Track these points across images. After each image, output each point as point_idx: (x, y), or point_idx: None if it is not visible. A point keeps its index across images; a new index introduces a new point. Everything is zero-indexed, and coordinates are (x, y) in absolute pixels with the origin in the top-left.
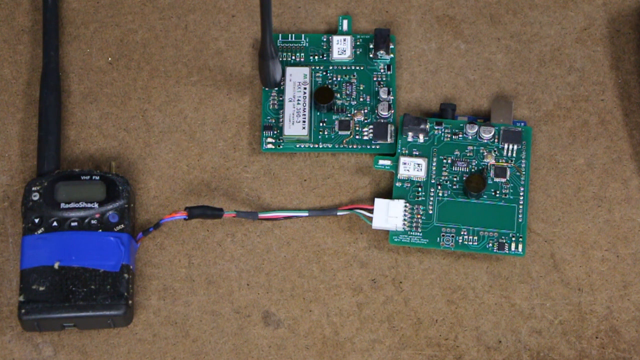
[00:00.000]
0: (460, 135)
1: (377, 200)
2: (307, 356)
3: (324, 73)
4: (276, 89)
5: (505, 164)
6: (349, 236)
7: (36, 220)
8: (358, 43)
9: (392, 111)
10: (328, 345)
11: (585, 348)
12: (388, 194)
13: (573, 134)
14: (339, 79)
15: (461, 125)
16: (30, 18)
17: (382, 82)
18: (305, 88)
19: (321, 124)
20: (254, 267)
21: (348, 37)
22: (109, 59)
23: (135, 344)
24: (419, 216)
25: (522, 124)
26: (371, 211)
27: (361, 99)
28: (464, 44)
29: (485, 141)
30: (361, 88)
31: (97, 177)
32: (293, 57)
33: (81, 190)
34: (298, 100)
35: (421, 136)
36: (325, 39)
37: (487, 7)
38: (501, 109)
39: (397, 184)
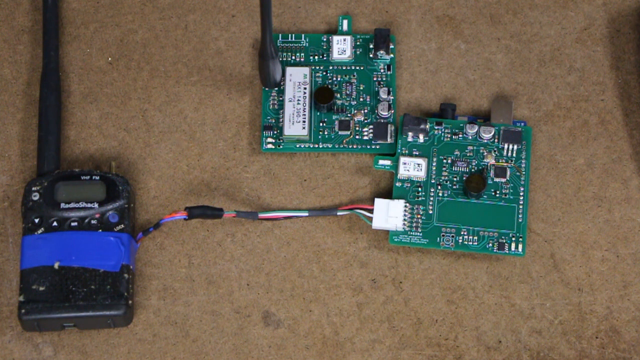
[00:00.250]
0: (460, 135)
1: (377, 200)
2: (307, 356)
3: (324, 73)
4: (276, 89)
5: (505, 164)
6: (349, 236)
7: (36, 220)
8: (358, 43)
9: (392, 111)
10: (328, 345)
11: (585, 348)
12: (388, 194)
13: (573, 134)
14: (339, 79)
15: (461, 125)
16: (30, 18)
17: (382, 82)
18: (305, 88)
19: (321, 124)
20: (254, 267)
21: (348, 37)
22: (109, 59)
23: (135, 344)
24: (419, 216)
25: (522, 124)
26: (371, 211)
27: (361, 99)
28: (464, 44)
29: (485, 141)
30: (361, 88)
31: (97, 177)
32: (293, 57)
33: (81, 190)
34: (298, 100)
35: (421, 136)
36: (325, 39)
37: (487, 7)
38: (501, 109)
39: (397, 184)
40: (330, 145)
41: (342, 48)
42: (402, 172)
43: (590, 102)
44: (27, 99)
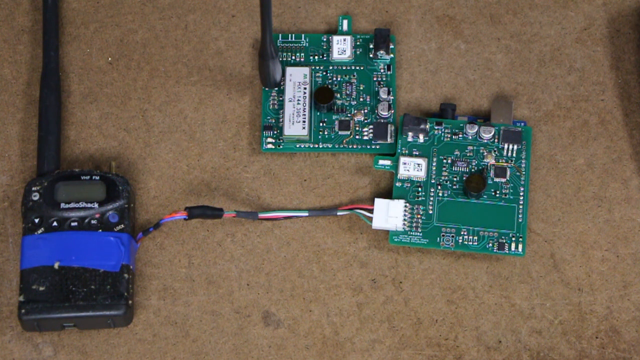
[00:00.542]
0: (460, 135)
1: (377, 200)
2: (307, 356)
3: (324, 73)
4: (276, 89)
5: (505, 164)
6: (349, 236)
7: (36, 220)
8: (358, 43)
9: (392, 111)
10: (328, 345)
11: (585, 348)
12: (388, 194)
13: (573, 134)
14: (339, 79)
15: (461, 125)
16: (30, 18)
17: (382, 82)
18: (305, 88)
19: (321, 124)
20: (254, 267)
21: (348, 37)
22: (109, 59)
23: (135, 344)
24: (419, 216)
25: (522, 124)
26: (371, 211)
27: (361, 99)
28: (464, 44)
29: (485, 141)
30: (361, 88)
31: (97, 177)
32: (293, 57)
33: (81, 190)
34: (298, 100)
35: (421, 136)
36: (325, 39)
37: (487, 7)
38: (501, 109)
39: (397, 184)
40: (330, 145)
41: (342, 48)
42: (402, 172)
43: (590, 102)
44: (27, 99)
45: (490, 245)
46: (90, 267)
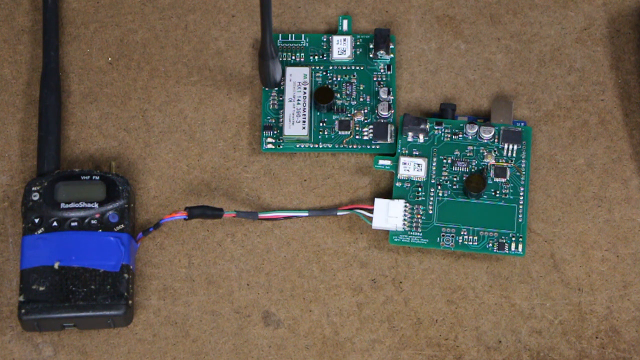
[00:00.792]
0: (460, 135)
1: (377, 200)
2: (307, 356)
3: (324, 73)
4: (276, 89)
5: (505, 164)
6: (349, 236)
7: (36, 220)
8: (358, 43)
9: (392, 111)
10: (328, 345)
11: (585, 348)
12: (388, 194)
13: (573, 134)
14: (339, 79)
15: (461, 125)
16: (30, 18)
17: (382, 82)
18: (305, 88)
19: (321, 124)
20: (254, 267)
21: (348, 37)
22: (109, 59)
23: (135, 344)
24: (419, 216)
25: (522, 124)
26: (371, 211)
27: (361, 99)
28: (464, 44)
29: (485, 141)
30: (361, 88)
31: (97, 177)
32: (293, 57)
33: (81, 190)
34: (298, 100)
35: (421, 136)
36: (325, 39)
37: (487, 7)
38: (501, 109)
39: (397, 184)
40: (330, 145)
41: (342, 48)
42: (402, 172)
43: (590, 102)
44: (27, 99)
45: (490, 245)
46: (90, 267)
